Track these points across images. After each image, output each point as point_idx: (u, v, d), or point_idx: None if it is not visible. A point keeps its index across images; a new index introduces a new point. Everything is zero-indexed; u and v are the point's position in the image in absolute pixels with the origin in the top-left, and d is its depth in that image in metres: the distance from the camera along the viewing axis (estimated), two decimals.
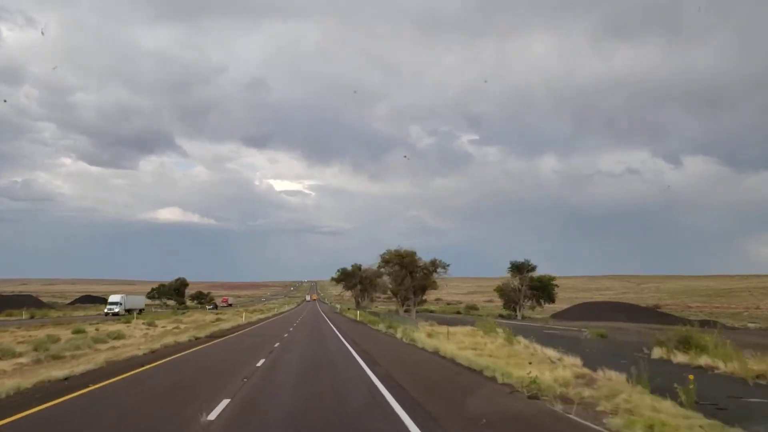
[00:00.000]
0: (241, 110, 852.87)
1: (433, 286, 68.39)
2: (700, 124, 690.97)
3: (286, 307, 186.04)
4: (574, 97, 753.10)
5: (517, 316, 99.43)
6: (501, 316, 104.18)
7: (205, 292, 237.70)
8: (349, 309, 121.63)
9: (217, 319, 77.42)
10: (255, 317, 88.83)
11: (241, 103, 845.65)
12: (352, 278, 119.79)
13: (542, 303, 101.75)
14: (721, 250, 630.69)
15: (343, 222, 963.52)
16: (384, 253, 72.67)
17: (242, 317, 77.55)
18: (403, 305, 73.89)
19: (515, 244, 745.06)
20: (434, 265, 67.91)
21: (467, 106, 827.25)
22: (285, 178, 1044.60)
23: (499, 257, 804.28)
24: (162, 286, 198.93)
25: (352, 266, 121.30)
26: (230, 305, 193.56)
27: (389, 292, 73.34)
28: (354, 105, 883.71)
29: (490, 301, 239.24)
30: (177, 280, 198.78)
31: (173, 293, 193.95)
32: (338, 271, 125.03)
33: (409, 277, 65.88)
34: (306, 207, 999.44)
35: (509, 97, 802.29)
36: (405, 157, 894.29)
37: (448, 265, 67.51)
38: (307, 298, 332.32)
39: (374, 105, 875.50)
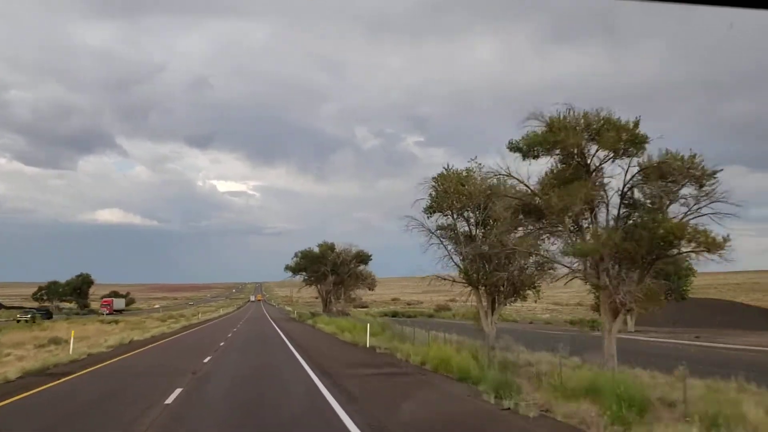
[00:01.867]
0: (184, 109, 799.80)
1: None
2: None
3: (221, 312, 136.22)
4: (517, 99, 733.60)
5: (628, 326, 53.57)
6: (585, 326, 58.95)
7: (123, 293, 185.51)
8: (314, 315, 73.22)
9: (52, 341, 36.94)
10: (125, 339, 40.31)
11: (184, 102, 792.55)
12: (319, 265, 71.52)
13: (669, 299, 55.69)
14: None
15: (288, 223, 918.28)
16: (440, 176, 25.07)
17: (70, 345, 29.34)
18: (492, 311, 27.23)
19: None
20: None
21: (413, 107, 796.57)
22: (229, 179, 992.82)
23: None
24: (54, 284, 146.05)
25: (321, 246, 73.02)
26: (117, 311, 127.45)
27: (464, 280, 26.17)
28: (300, 105, 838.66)
29: (453, 300, 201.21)
30: (78, 277, 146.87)
31: (73, 293, 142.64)
32: (296, 255, 76.82)
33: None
34: (250, 208, 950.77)
35: (454, 98, 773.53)
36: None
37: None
38: (252, 298, 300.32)
39: (320, 106, 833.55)
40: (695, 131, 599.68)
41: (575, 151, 16.98)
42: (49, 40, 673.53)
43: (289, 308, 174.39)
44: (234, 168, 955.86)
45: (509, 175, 19.74)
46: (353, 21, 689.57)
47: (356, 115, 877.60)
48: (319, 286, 76.60)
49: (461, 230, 27.31)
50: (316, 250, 73.36)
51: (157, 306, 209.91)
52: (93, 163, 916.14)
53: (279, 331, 51.76)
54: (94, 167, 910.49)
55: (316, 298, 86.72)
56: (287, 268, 79.39)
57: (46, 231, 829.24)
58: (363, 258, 69.99)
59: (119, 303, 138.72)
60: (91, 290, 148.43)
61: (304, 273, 78.75)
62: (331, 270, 71.22)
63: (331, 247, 72.00)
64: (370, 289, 73.08)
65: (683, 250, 16.74)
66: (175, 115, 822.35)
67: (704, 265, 17.18)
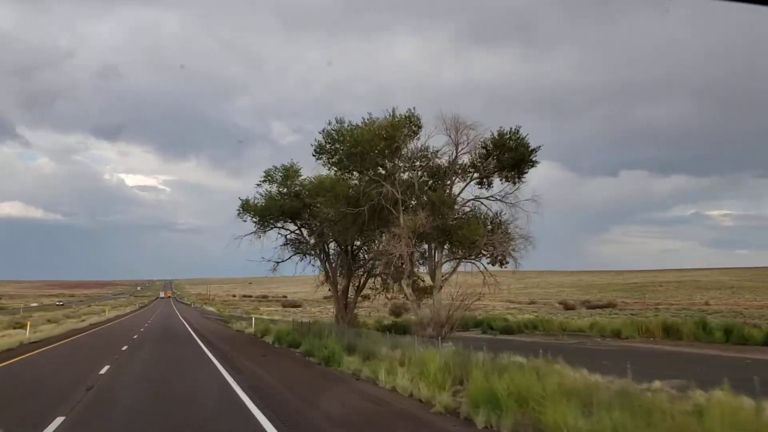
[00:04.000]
0: (91, 99, 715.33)
1: None
2: (546, 129, 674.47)
3: (107, 316, 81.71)
4: (437, 99, 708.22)
5: None
6: None
7: None
8: (323, 342, 22.17)
9: None
10: None
11: (91, 91, 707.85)
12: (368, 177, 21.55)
13: None
14: (566, 248, 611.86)
15: (200, 219, 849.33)
16: None
17: None
18: None
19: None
20: None
21: (333, 104, 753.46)
22: (138, 173, 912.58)
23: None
24: None
25: (369, 127, 22.51)
26: None
27: None
28: (214, 98, 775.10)
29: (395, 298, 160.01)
30: None
31: None
32: (269, 178, 26.80)
33: None
34: (160, 203, 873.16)
35: (375, 96, 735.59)
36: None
37: None
38: (162, 294, 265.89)
39: (235, 99, 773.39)
40: (606, 134, 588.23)
41: None
42: None
43: (211, 308, 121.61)
44: (144, 161, 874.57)
45: None
46: (271, 13, 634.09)
47: (273, 109, 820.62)
48: (337, 262, 27.34)
49: None
50: (346, 124, 23.39)
51: (34, 304, 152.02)
52: None
53: None
54: None
55: (322, 297, 31.96)
56: (245, 208, 29.37)
57: None
58: (520, 154, 21.14)
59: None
60: None
61: (293, 223, 29.02)
62: (416, 193, 21.54)
63: (411, 122, 22.30)
64: (499, 264, 23.04)
65: None
66: (81, 105, 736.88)
67: None
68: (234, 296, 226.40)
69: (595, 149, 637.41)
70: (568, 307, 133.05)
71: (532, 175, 21.61)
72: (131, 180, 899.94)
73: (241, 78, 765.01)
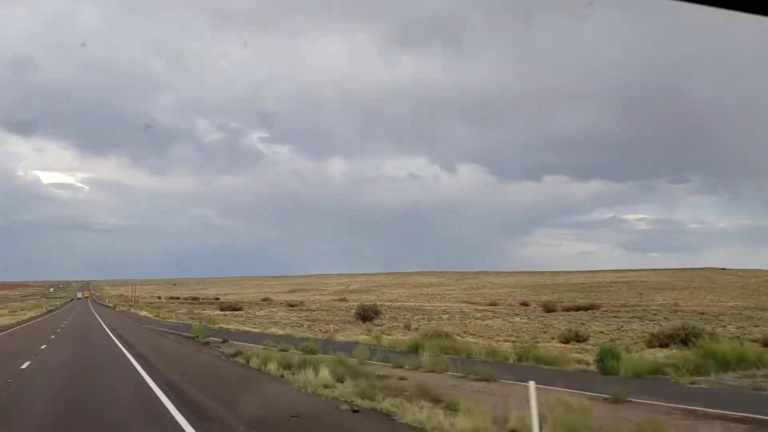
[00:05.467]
0: (2, 91, 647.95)
1: None
2: (471, 134, 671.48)
3: None
4: (362, 102, 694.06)
5: None
6: None
7: None
8: None
9: None
10: None
11: (2, 83, 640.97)
12: None
13: None
14: (485, 250, 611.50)
15: (119, 219, 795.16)
16: None
17: None
18: None
19: (303, 243, 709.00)
20: None
21: (258, 102, 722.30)
22: (54, 170, 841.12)
23: (288, 256, 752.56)
24: None
25: None
26: None
27: None
28: (135, 94, 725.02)
29: (342, 301, 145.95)
30: None
31: None
32: None
33: None
34: (78, 202, 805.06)
35: (300, 96, 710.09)
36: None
37: None
38: (79, 295, 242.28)
39: (157, 95, 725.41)
40: (525, 140, 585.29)
41: None
42: None
43: (144, 313, 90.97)
44: (60, 158, 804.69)
45: None
46: (194, 8, 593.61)
47: (197, 107, 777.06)
48: None
49: None
50: None
51: None
52: None
53: None
54: None
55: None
56: None
57: None
58: None
59: None
60: None
61: None
62: None
63: None
64: None
65: None
66: None
67: None
68: (159, 298, 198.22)
69: (519, 154, 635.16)
70: (547, 309, 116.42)
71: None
72: (47, 177, 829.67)
73: (164, 74, 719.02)
